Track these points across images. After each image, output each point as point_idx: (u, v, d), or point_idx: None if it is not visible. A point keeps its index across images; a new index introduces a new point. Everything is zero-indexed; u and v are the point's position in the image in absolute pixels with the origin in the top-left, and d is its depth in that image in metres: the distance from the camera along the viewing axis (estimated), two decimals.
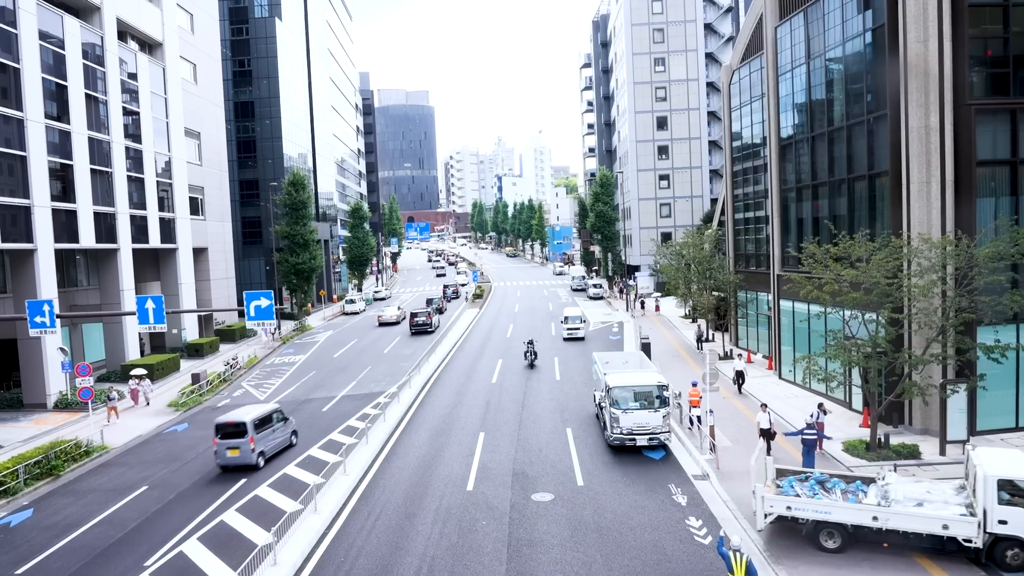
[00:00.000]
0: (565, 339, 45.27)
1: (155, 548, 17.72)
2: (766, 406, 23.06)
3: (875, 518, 15.22)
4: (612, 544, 16.61)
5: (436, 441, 25.54)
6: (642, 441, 22.65)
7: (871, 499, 15.70)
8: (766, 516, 16.10)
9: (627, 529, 17.39)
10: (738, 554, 13.01)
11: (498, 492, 20.18)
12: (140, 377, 34.53)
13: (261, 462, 23.93)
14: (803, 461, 20.84)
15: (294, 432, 26.69)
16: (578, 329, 45.70)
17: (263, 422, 24.28)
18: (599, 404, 26.14)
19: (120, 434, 28.76)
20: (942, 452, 21.29)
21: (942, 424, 21.37)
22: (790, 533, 16.58)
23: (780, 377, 32.81)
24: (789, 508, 15.92)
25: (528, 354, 38.06)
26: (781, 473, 17.55)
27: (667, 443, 23.14)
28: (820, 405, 23.58)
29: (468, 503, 19.45)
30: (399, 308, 60.64)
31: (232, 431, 23.32)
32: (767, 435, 22.42)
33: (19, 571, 16.86)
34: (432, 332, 52.22)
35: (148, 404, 33.88)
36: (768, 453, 22.36)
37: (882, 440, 21.62)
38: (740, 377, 30.77)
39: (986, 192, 23.10)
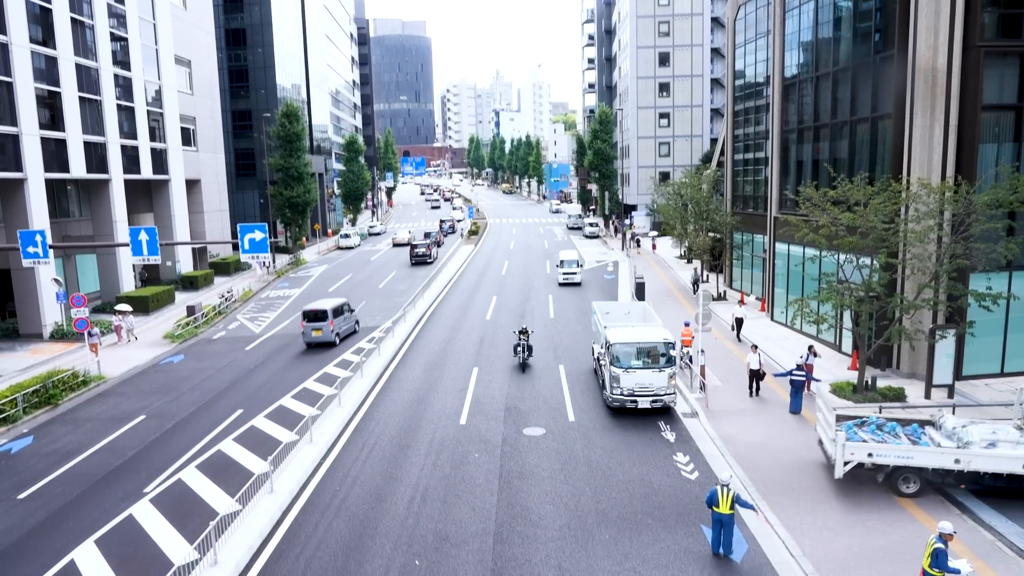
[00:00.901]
0: (560, 284, 43.98)
1: (154, 475, 18.12)
2: (756, 347, 23.29)
3: (957, 461, 15.15)
4: (601, 477, 17.06)
5: (430, 375, 25.89)
6: (644, 404, 20.77)
7: (945, 442, 15.70)
8: (846, 464, 15.72)
9: (616, 463, 17.83)
10: (725, 488, 13.40)
11: (490, 426, 20.58)
12: (123, 313, 33.68)
13: (337, 340, 30.87)
14: (791, 402, 21.29)
15: (357, 321, 33.64)
16: (574, 274, 43.75)
17: (339, 311, 31.15)
18: (597, 359, 24.66)
19: (117, 365, 29.03)
20: (927, 395, 21.71)
21: (929, 368, 21.72)
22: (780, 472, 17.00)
23: (772, 319, 33.09)
24: (870, 455, 15.58)
25: (520, 348, 26.82)
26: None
27: (672, 405, 21.30)
28: (810, 347, 23.83)
29: (461, 436, 19.86)
30: (409, 232, 70.95)
31: (316, 316, 30.13)
32: (756, 376, 22.78)
33: (21, 496, 17.27)
34: (431, 263, 54.77)
35: (133, 340, 33.24)
36: (756, 393, 22.82)
37: (869, 383, 21.99)
38: (739, 324, 30.11)
39: (989, 138, 22.82)
